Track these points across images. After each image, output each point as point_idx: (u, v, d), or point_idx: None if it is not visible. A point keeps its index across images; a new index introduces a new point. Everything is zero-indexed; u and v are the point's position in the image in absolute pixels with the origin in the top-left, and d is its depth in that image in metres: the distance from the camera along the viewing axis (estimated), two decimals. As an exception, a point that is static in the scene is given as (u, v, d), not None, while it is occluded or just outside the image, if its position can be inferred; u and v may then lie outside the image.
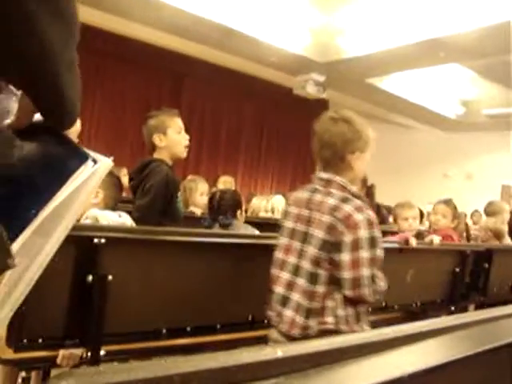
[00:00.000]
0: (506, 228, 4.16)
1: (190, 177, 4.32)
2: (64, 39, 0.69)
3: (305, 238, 1.68)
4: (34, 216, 0.69)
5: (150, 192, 2.15)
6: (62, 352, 1.57)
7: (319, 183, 1.75)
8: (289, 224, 1.76)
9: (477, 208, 7.26)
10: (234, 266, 1.98)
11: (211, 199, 2.82)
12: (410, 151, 10.33)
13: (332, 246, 1.60)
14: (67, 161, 0.73)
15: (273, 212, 4.58)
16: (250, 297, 2.03)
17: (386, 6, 5.92)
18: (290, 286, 1.67)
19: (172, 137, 2.34)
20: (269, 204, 4.56)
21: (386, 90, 8.16)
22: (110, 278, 1.56)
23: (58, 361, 1.63)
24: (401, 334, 0.65)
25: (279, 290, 1.71)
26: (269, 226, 3.70)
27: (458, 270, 3.01)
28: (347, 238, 1.58)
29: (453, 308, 2.98)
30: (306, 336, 1.61)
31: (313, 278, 1.62)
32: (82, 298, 1.54)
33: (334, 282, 1.61)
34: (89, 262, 1.54)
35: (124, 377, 0.40)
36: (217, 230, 2.63)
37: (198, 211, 3.58)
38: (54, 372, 2.05)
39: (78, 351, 1.56)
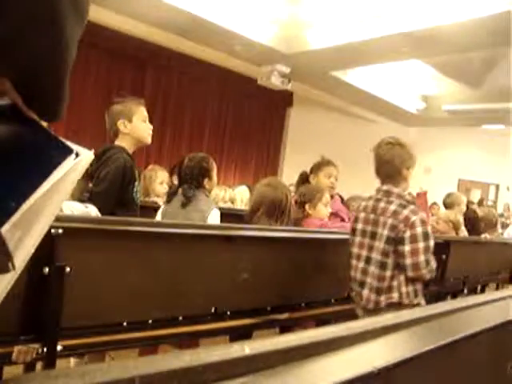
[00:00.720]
0: (461, 219, 4.30)
1: (150, 166, 4.26)
2: (77, 31, 0.66)
3: (373, 236, 2.27)
4: (15, 209, 0.64)
5: (105, 180, 2.10)
6: (17, 348, 1.50)
7: (381, 193, 2.34)
8: (359, 226, 2.35)
9: (435, 201, 7.46)
10: (197, 257, 1.94)
11: (179, 167, 2.67)
12: (370, 144, 10.45)
13: (395, 241, 2.17)
14: (50, 153, 0.69)
15: (233, 202, 4.55)
16: (213, 288, 2.00)
17: (351, 0, 5.97)
18: (365, 272, 2.27)
19: (137, 124, 2.32)
20: (227, 194, 4.53)
21: (350, 83, 8.24)
22: (68, 269, 1.50)
23: (14, 357, 1.56)
24: (369, 328, 0.64)
25: (358, 275, 2.31)
26: (229, 216, 3.68)
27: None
28: (406, 234, 2.15)
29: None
30: (378, 309, 2.20)
31: (382, 265, 2.21)
32: (39, 290, 1.48)
33: (398, 267, 2.18)
34: (45, 254, 1.47)
35: (78, 381, 0.36)
36: (178, 203, 2.54)
37: (159, 200, 3.52)
38: (6, 369, 1.96)
39: (35, 347, 1.49)
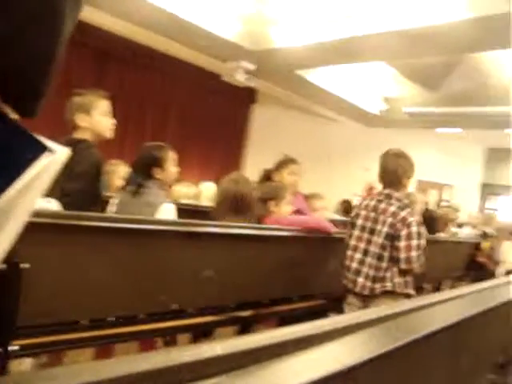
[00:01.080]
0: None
1: (111, 161, 4.16)
2: (71, 27, 0.64)
3: (372, 231, 2.62)
4: None
5: (83, 177, 2.04)
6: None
7: (382, 196, 2.71)
8: (359, 222, 2.70)
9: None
10: (160, 254, 1.91)
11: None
12: (333, 143, 10.66)
13: (393, 237, 2.53)
14: (24, 150, 0.65)
15: (197, 199, 4.50)
16: (175, 285, 1.98)
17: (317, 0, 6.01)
18: (361, 262, 2.62)
19: (96, 118, 2.24)
20: (191, 190, 4.47)
21: (314, 83, 8.31)
22: (25, 266, 1.44)
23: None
24: (338, 326, 0.64)
25: (354, 265, 2.64)
26: (194, 212, 3.64)
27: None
28: (403, 232, 2.51)
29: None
30: (373, 295, 2.54)
31: (380, 257, 2.56)
32: (-7, 287, 1.41)
33: (393, 260, 2.53)
34: (1, 249, 1.41)
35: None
36: (130, 193, 2.44)
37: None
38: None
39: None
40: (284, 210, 2.87)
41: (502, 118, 7.68)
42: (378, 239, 2.57)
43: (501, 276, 4.54)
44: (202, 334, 2.21)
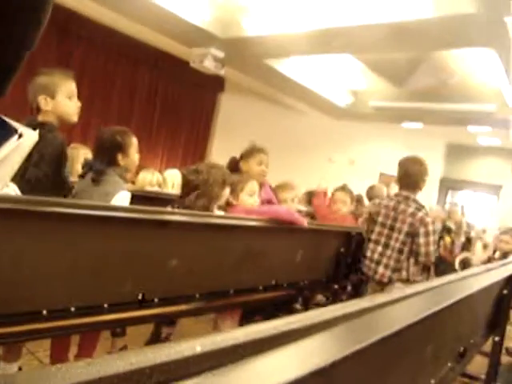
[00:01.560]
0: None
1: (72, 144, 4.01)
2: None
3: (392, 228, 3.19)
4: None
5: (46, 162, 1.93)
6: None
7: (401, 197, 3.23)
8: (380, 219, 3.26)
9: (358, 192, 7.74)
10: (125, 242, 1.85)
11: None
12: (299, 134, 10.70)
13: (412, 235, 3.10)
14: None
15: (160, 186, 4.42)
16: (141, 274, 1.93)
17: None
18: (382, 254, 3.19)
19: (60, 101, 2.11)
20: (154, 177, 4.38)
21: (282, 73, 8.29)
22: (-19, 253, 1.37)
23: None
24: (317, 321, 0.63)
25: (376, 256, 3.22)
26: (157, 200, 3.58)
27: (342, 250, 3.17)
28: (421, 230, 3.07)
29: (336, 286, 3.15)
30: (391, 282, 3.11)
31: (400, 251, 3.14)
32: None
33: (411, 254, 3.11)
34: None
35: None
36: (89, 179, 2.29)
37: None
38: None
39: None
40: (246, 202, 2.78)
41: (463, 115, 7.90)
42: (399, 236, 3.12)
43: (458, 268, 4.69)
44: (166, 323, 2.17)
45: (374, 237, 3.26)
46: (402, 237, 3.13)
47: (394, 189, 10.50)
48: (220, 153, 11.03)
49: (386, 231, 3.21)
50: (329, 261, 3.14)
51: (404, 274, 3.11)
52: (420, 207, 3.15)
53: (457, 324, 1.52)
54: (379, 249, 3.21)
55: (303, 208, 5.47)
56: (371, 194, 5.03)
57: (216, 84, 10.29)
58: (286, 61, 8.01)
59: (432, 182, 10.79)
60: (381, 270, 3.17)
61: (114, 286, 1.84)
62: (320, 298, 3.73)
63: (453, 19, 4.94)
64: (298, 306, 3.29)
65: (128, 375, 0.36)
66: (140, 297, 1.92)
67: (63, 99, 2.10)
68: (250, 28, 6.70)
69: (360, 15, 5.63)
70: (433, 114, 8.31)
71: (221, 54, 7.50)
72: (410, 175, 3.18)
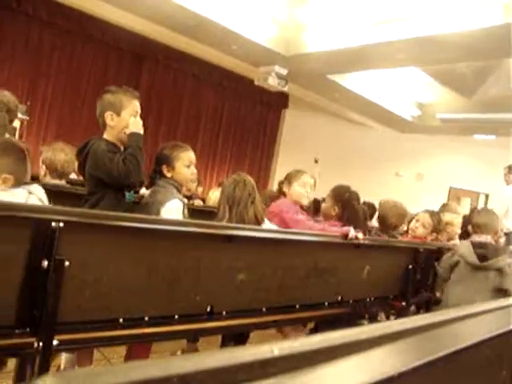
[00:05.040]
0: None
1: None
2: None
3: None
4: None
5: (101, 167, 2.09)
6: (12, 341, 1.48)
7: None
8: None
9: (426, 208, 7.49)
10: (195, 256, 1.93)
11: None
12: (364, 149, 10.55)
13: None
14: None
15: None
16: (209, 288, 1.99)
17: (350, 5, 5.98)
18: None
19: (125, 118, 2.20)
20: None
21: (346, 88, 8.27)
22: (67, 263, 1.48)
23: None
24: (388, 332, 0.64)
25: None
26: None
27: (410, 266, 3.09)
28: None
29: (404, 303, 3.07)
30: None
31: None
32: (36, 284, 1.46)
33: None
34: (45, 247, 1.46)
35: (114, 379, 0.36)
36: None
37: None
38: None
39: (30, 340, 1.48)
40: (297, 191, 2.91)
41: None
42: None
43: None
44: (234, 336, 2.22)
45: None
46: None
47: (465, 203, 10.03)
48: (285, 168, 11.07)
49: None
50: (396, 278, 3.07)
51: None
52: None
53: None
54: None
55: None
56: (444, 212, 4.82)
57: (280, 100, 10.42)
58: (349, 75, 7.99)
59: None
60: None
61: (184, 298, 1.91)
62: (382, 316, 3.64)
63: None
64: (364, 322, 3.23)
65: (216, 371, 0.41)
66: (209, 309, 1.98)
67: (127, 117, 2.20)
68: (312, 44, 6.76)
69: (423, 26, 5.53)
70: (506, 124, 7.93)
71: (284, 71, 7.62)
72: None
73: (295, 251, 2.38)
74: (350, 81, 8.14)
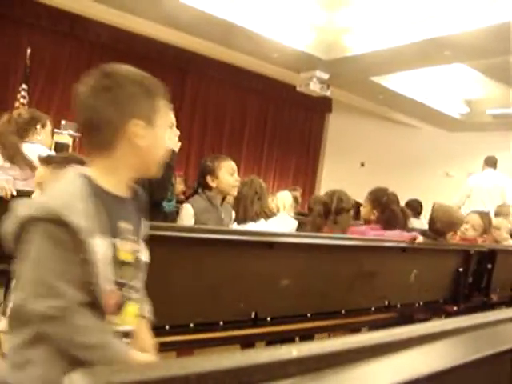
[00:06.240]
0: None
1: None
2: None
3: None
4: None
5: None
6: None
7: None
8: None
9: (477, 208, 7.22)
10: (239, 263, 1.96)
11: None
12: (412, 150, 10.29)
13: None
14: None
15: (277, 210, 4.53)
16: (253, 294, 2.02)
17: (390, 4, 5.90)
18: None
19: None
20: (273, 203, 4.51)
21: (390, 89, 8.13)
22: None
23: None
24: (413, 335, 0.64)
25: None
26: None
27: (461, 269, 3.00)
28: None
29: (455, 308, 2.97)
30: None
31: None
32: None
33: None
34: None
35: (138, 376, 0.39)
36: None
37: None
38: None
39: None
40: None
41: None
42: None
43: None
44: (280, 342, 2.23)
45: None
46: None
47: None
48: (330, 172, 11.02)
49: None
50: (446, 281, 2.98)
51: None
52: None
53: None
54: None
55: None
56: (500, 212, 4.66)
57: (323, 105, 10.37)
58: (392, 76, 7.85)
59: None
60: None
61: (228, 305, 1.95)
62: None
63: None
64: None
65: (234, 371, 0.43)
66: (253, 315, 2.01)
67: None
68: (352, 47, 6.71)
69: (469, 20, 5.36)
70: None
71: (325, 76, 7.59)
72: None
73: (338, 255, 2.37)
74: (394, 81, 8.00)
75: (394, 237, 2.70)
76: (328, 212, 2.75)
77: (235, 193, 2.69)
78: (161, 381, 0.38)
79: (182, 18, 6.25)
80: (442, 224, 3.27)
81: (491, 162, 5.72)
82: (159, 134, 1.11)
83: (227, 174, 2.61)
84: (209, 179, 2.59)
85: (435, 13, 5.69)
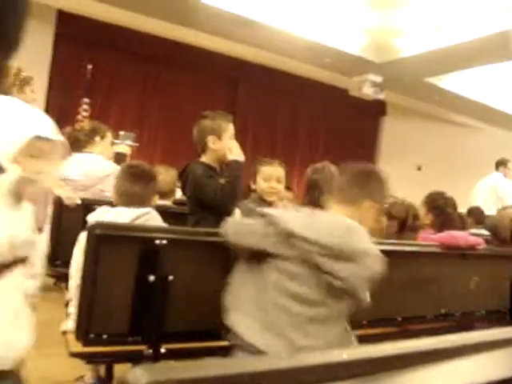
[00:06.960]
0: None
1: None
2: None
3: None
4: None
5: (189, 189, 2.26)
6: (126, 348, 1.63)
7: None
8: None
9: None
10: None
11: None
12: (475, 153, 9.89)
13: None
14: None
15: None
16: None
17: (443, 2, 5.73)
18: None
19: (226, 141, 2.33)
20: None
21: (446, 89, 7.88)
22: (171, 278, 1.60)
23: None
24: (470, 342, 0.63)
25: None
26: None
27: (526, 277, 2.85)
28: None
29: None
30: None
31: None
32: (145, 297, 1.60)
33: None
34: (151, 263, 1.60)
35: (195, 373, 0.41)
36: None
37: None
38: (117, 366, 2.14)
39: (142, 348, 1.61)
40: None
41: None
42: None
43: None
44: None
45: None
46: None
47: None
48: (387, 177, 10.75)
49: None
50: (509, 290, 2.84)
51: None
52: None
53: None
54: None
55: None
56: None
57: (377, 108, 10.19)
58: (448, 76, 7.61)
59: None
60: None
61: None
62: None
63: None
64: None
65: (285, 373, 0.44)
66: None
67: (227, 139, 2.33)
68: (405, 48, 6.56)
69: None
70: None
71: (379, 79, 7.47)
72: None
73: (394, 261, 2.32)
74: (450, 82, 7.74)
75: (461, 237, 2.60)
76: (403, 227, 2.76)
77: (270, 198, 2.64)
78: (218, 379, 0.40)
79: (232, 27, 6.36)
80: (507, 232, 3.11)
81: None
82: None
83: (262, 180, 2.61)
84: (251, 183, 2.65)
85: (493, 7, 5.46)
